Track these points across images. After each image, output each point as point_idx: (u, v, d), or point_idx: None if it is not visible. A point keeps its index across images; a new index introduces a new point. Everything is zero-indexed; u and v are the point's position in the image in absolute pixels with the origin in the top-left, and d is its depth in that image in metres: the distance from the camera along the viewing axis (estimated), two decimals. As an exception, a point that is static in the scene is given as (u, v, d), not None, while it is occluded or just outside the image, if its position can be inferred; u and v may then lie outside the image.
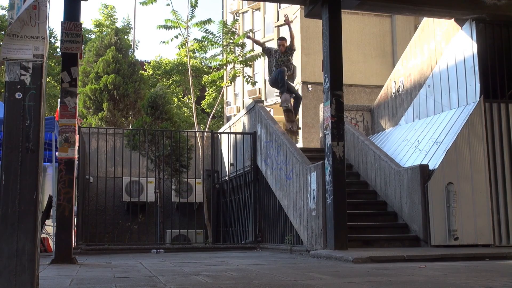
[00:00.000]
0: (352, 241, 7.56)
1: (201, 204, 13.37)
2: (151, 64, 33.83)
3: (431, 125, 9.57)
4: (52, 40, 27.73)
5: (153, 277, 4.58)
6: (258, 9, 28.24)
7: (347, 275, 4.55)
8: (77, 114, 7.06)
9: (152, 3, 13.59)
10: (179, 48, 15.28)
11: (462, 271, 4.88)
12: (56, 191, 6.87)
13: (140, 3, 13.72)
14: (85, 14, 78.02)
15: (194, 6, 13.95)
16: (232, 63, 14.65)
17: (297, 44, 22.66)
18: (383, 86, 12.52)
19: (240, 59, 14.63)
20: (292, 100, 10.79)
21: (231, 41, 14.26)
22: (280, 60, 10.56)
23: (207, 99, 33.46)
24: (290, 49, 10.61)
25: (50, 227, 8.79)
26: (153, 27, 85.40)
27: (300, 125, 21.27)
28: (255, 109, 11.35)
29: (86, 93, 18.91)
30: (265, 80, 26.39)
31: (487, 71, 8.72)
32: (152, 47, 77.81)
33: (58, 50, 24.04)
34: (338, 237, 7.12)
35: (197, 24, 14.00)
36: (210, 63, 17.09)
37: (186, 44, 14.60)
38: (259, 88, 26.15)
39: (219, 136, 13.97)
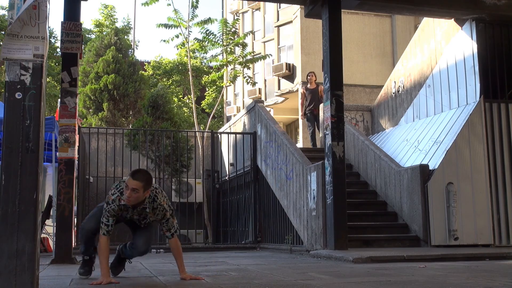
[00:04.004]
0: (352, 241, 7.55)
1: (201, 204, 13.36)
2: (151, 64, 33.82)
3: (431, 125, 9.57)
4: (52, 40, 27.72)
5: (153, 277, 4.58)
6: (258, 9, 28.22)
7: (347, 275, 4.55)
8: (77, 114, 7.06)
9: (154, 2, 13.54)
10: (179, 48, 15.27)
11: (462, 271, 4.88)
12: (56, 191, 6.87)
13: (142, 4, 13.68)
14: (85, 14, 78.03)
15: (194, 6, 13.93)
16: (233, 63, 14.64)
17: (298, 43, 22.67)
18: (383, 86, 12.52)
19: (240, 59, 14.62)
20: None
21: (231, 41, 14.25)
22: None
23: (207, 99, 33.46)
24: None
25: (50, 227, 8.78)
26: (153, 27, 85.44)
27: (300, 126, 21.28)
28: (255, 109, 11.35)
29: (86, 93, 18.91)
30: (265, 80, 26.38)
31: (487, 71, 8.71)
32: (152, 47, 77.81)
33: (58, 50, 24.02)
34: (338, 237, 7.11)
35: (198, 23, 13.97)
36: (210, 62, 17.11)
37: (187, 44, 14.59)
38: (259, 88, 26.13)
39: (219, 136, 13.97)
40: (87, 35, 28.61)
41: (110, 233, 4.16)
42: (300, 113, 12.50)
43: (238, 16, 28.96)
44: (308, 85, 12.34)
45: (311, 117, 12.15)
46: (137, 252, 4.51)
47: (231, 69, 15.03)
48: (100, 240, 4.14)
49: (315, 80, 12.30)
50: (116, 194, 4.13)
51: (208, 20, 13.98)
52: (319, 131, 12.10)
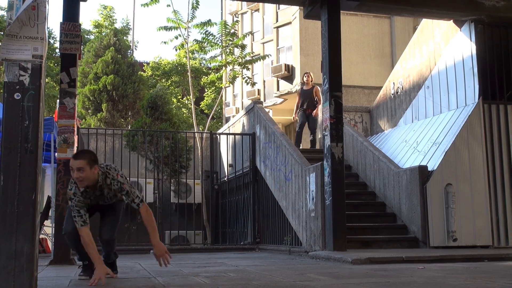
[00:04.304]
0: (351, 242, 7.55)
1: (200, 205, 13.35)
2: (150, 65, 33.82)
3: (430, 126, 9.57)
4: (51, 41, 27.69)
5: (151, 278, 4.57)
6: (257, 10, 28.23)
7: (346, 276, 4.55)
8: (76, 115, 7.05)
9: (154, 3, 13.50)
10: (178, 49, 15.26)
11: (461, 272, 4.88)
12: (55, 192, 6.86)
13: (141, 5, 13.66)
14: (84, 15, 77.94)
15: (194, 7, 13.92)
16: (232, 64, 14.64)
17: (297, 45, 22.67)
18: (382, 87, 12.52)
19: (240, 60, 14.63)
20: None
21: (230, 42, 14.26)
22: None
23: (206, 100, 33.45)
24: None
25: (48, 228, 8.78)
26: (152, 28, 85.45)
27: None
28: (254, 110, 11.35)
29: (85, 93, 18.90)
30: (264, 81, 26.38)
31: (486, 72, 8.73)
32: (151, 48, 77.77)
33: (57, 50, 24.02)
34: (337, 238, 7.11)
35: (197, 25, 13.97)
36: (210, 63, 17.10)
37: (186, 45, 14.59)
38: (258, 89, 26.13)
39: (218, 137, 13.96)
40: (86, 36, 28.61)
41: (87, 222, 4.13)
42: (294, 115, 12.27)
43: (237, 17, 28.97)
44: (304, 86, 12.23)
45: (303, 115, 11.97)
46: (102, 242, 4.53)
47: (230, 70, 15.04)
48: (82, 234, 4.11)
49: (311, 81, 12.14)
50: (73, 188, 4.16)
51: (208, 23, 13.98)
52: (310, 131, 11.98)
